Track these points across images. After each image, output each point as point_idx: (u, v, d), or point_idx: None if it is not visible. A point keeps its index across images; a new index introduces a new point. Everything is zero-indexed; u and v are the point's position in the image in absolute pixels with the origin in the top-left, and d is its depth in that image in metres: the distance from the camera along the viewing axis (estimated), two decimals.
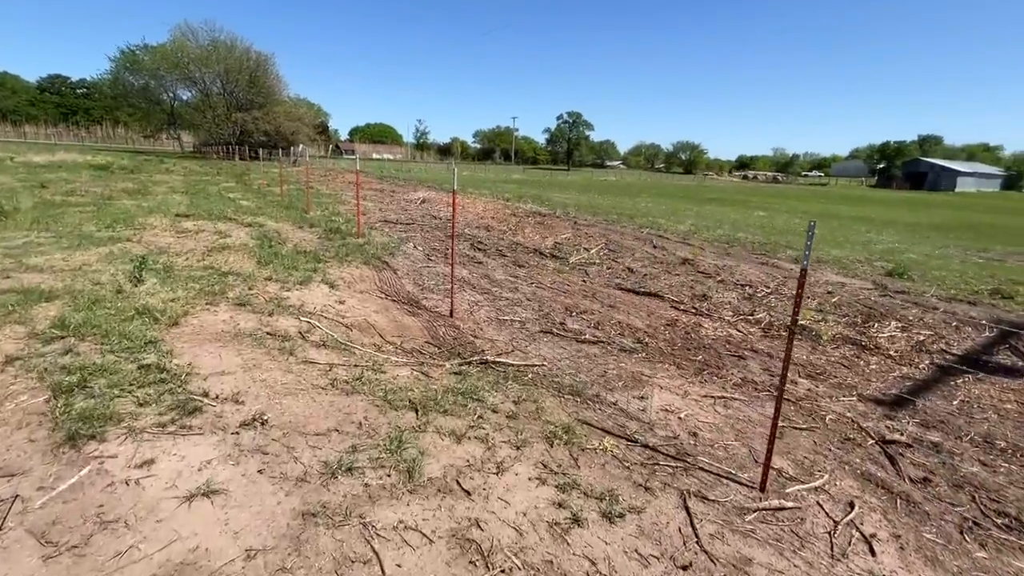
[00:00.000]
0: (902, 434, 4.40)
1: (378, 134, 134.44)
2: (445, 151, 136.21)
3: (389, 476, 2.74)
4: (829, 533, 2.78)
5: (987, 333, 6.31)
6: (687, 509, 2.82)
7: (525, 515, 2.58)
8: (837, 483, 3.32)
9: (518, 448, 3.25)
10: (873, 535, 2.81)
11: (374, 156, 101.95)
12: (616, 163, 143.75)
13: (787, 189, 65.43)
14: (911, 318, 6.89)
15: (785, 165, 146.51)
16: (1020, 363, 5.52)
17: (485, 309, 7.17)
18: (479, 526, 2.45)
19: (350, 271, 7.83)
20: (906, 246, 13.89)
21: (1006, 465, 3.98)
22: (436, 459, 2.97)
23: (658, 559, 2.39)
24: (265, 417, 3.20)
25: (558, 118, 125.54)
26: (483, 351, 5.63)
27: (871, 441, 4.14)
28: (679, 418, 4.11)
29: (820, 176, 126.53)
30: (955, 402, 5.00)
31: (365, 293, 7.04)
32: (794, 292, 8.43)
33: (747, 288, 8.67)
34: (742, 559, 2.48)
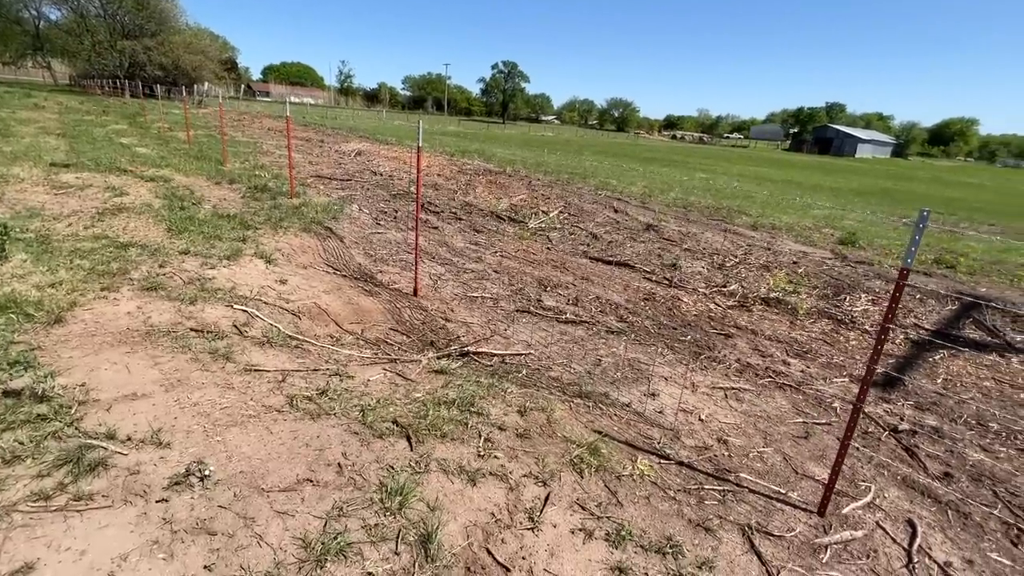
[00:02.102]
0: (902, 419, 4.30)
1: (296, 75, 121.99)
2: (372, 97, 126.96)
3: (398, 555, 2.01)
4: (908, 568, 2.46)
5: (949, 306, 6.48)
6: (759, 556, 2.37)
7: None
8: (885, 495, 3.04)
9: (545, 484, 2.63)
10: (948, 563, 2.53)
11: (292, 99, 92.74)
12: (550, 118, 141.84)
13: (714, 150, 67.87)
14: (877, 290, 6.97)
15: (710, 126, 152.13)
16: (988, 338, 5.68)
17: (450, 284, 6.37)
18: None
19: (288, 240, 6.62)
20: (841, 212, 14.52)
21: (1004, 450, 3.96)
22: (452, 515, 2.28)
23: None
24: (206, 469, 2.31)
25: (493, 67, 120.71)
26: (459, 338, 4.90)
27: (885, 432, 3.97)
28: (700, 420, 3.68)
29: (740, 138, 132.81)
30: (939, 380, 5.01)
31: (310, 268, 5.95)
32: (762, 262, 8.38)
33: (715, 257, 8.47)
34: None
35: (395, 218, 9.18)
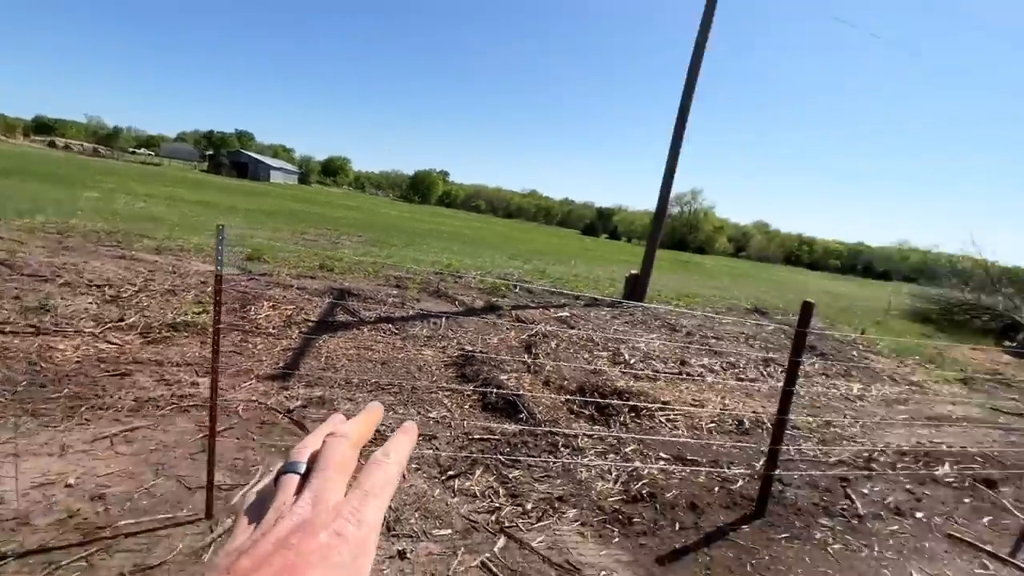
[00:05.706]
0: (296, 399, 5.19)
1: None
2: None
3: None
4: None
5: (328, 299, 8.29)
6: None
7: None
8: (271, 468, 3.53)
9: None
10: None
11: None
12: None
13: (117, 165, 57.48)
14: (278, 297, 8.01)
15: (107, 137, 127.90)
16: (350, 318, 7.67)
17: None
18: None
19: None
20: (252, 231, 15.70)
21: (362, 395, 5.52)
22: None
23: None
24: None
25: None
26: None
27: (281, 415, 4.64)
28: (68, 486, 3.03)
29: (151, 155, 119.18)
30: (323, 359, 6.36)
31: None
32: (167, 287, 7.85)
33: (108, 288, 7.27)
34: None
35: None
